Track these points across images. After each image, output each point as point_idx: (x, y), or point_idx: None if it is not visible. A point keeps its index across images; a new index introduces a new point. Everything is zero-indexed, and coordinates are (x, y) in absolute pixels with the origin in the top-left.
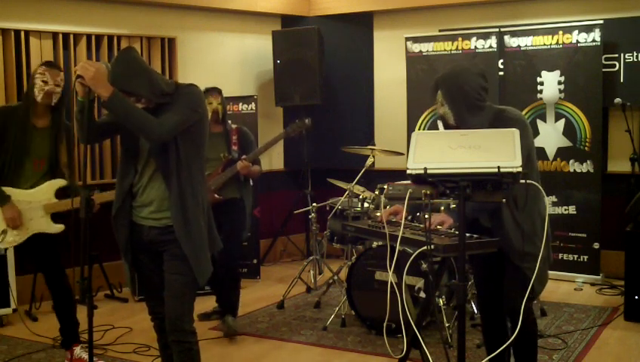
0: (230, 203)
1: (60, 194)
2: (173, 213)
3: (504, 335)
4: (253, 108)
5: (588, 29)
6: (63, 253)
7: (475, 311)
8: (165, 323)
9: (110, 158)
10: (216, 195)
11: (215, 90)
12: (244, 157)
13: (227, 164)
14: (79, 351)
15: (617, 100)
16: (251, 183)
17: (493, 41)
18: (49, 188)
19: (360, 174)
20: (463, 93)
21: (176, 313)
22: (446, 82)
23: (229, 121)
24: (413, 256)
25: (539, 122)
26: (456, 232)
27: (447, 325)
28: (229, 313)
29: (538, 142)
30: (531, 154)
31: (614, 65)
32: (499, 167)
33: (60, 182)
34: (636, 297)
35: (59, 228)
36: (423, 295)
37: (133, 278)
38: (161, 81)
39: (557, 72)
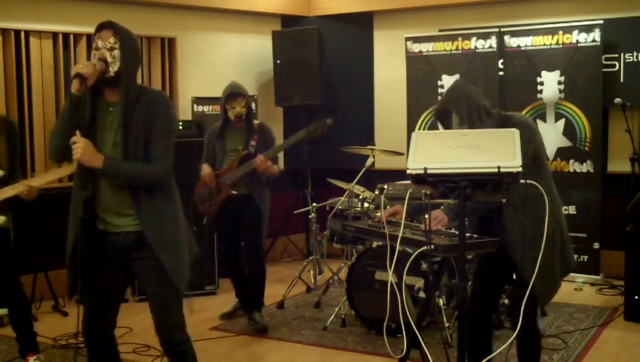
0: (243, 198)
1: None
2: (142, 217)
3: (488, 335)
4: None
5: (588, 29)
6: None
7: None
8: (156, 334)
9: None
10: (232, 191)
11: (239, 95)
12: (260, 156)
13: (242, 159)
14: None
15: (617, 100)
16: (264, 180)
17: (493, 41)
18: None
19: (360, 174)
20: (475, 105)
21: (167, 326)
22: (458, 103)
23: (253, 119)
24: (413, 256)
25: (539, 122)
26: (456, 232)
27: (447, 325)
28: (255, 308)
29: None
30: (539, 157)
31: (614, 66)
32: (499, 167)
33: None
34: (636, 297)
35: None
36: (423, 295)
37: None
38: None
39: (557, 72)
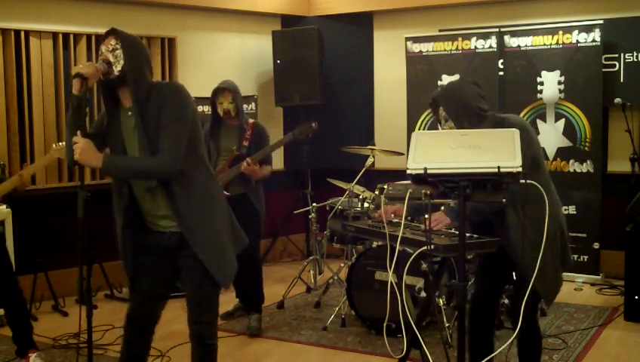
0: (237, 198)
1: None
2: (180, 219)
3: (489, 334)
4: (254, 108)
5: (588, 29)
6: (66, 253)
7: None
8: (189, 327)
9: None
10: (224, 192)
11: (225, 90)
12: (248, 159)
13: (234, 160)
14: (34, 358)
15: (617, 100)
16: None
17: (493, 41)
18: None
19: (360, 174)
20: (464, 105)
21: (202, 322)
22: (446, 98)
23: (247, 118)
24: (414, 256)
25: (539, 122)
26: (456, 232)
27: (447, 325)
28: (254, 309)
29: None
30: (537, 159)
31: (614, 66)
32: (499, 167)
33: None
34: (636, 297)
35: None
36: (423, 295)
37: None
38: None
39: (557, 72)
